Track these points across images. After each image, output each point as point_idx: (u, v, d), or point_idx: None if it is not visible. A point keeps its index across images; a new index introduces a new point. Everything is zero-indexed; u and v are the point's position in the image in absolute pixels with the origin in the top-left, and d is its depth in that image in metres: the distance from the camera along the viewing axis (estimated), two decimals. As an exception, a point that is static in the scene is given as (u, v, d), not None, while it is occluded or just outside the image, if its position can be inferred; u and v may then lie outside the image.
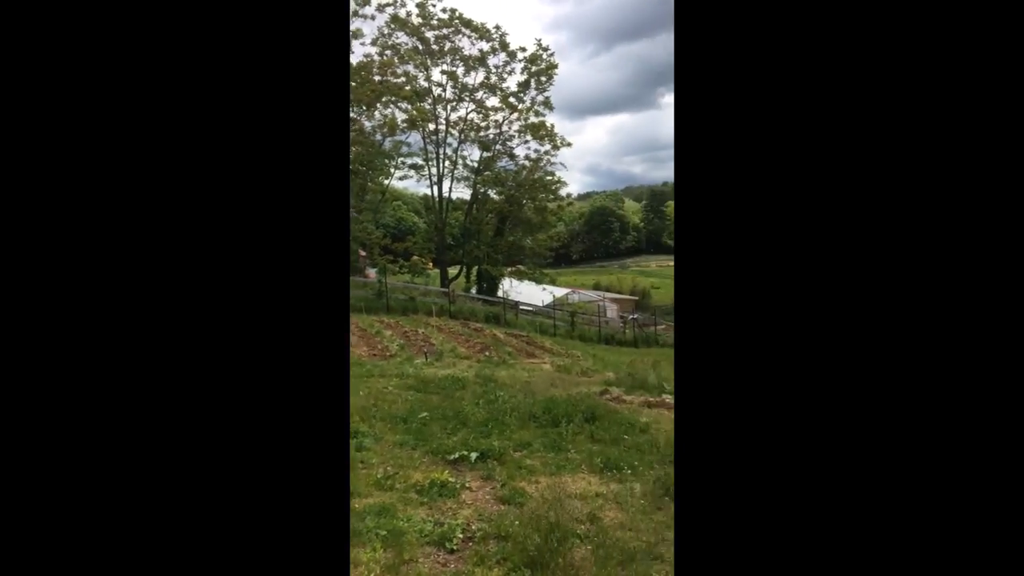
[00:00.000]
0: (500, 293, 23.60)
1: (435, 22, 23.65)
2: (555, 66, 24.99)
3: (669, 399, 6.55)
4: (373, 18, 23.30)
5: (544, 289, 27.07)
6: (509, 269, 25.81)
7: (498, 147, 25.71)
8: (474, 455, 4.02)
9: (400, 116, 23.72)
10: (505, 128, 25.58)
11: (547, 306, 23.52)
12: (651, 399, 6.55)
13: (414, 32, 23.50)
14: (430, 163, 25.50)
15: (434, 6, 23.54)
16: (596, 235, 78.28)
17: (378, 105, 23.14)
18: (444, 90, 24.78)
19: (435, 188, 25.79)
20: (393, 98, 23.18)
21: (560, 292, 29.36)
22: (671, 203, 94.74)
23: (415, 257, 25.18)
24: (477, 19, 26.27)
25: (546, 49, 24.97)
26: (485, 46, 24.37)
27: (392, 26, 23.31)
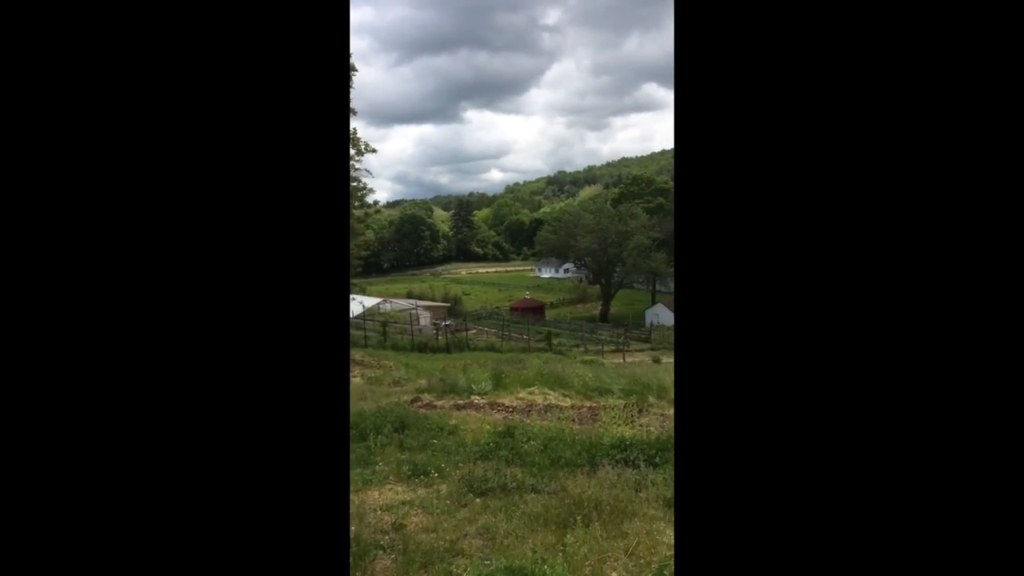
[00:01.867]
0: (305, 306, 22.03)
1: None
2: (354, 68, 24.30)
3: (477, 399, 6.83)
4: None
5: (354, 299, 26.02)
6: (314, 280, 24.24)
7: (296, 150, 24.03)
8: (270, 483, 3.71)
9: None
10: (303, 130, 24.04)
11: (358, 317, 22.66)
12: (460, 401, 6.76)
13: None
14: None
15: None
16: (407, 243, 77.87)
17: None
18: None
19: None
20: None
21: (371, 302, 28.49)
22: (478, 212, 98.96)
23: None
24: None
25: (345, 51, 24.18)
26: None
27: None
